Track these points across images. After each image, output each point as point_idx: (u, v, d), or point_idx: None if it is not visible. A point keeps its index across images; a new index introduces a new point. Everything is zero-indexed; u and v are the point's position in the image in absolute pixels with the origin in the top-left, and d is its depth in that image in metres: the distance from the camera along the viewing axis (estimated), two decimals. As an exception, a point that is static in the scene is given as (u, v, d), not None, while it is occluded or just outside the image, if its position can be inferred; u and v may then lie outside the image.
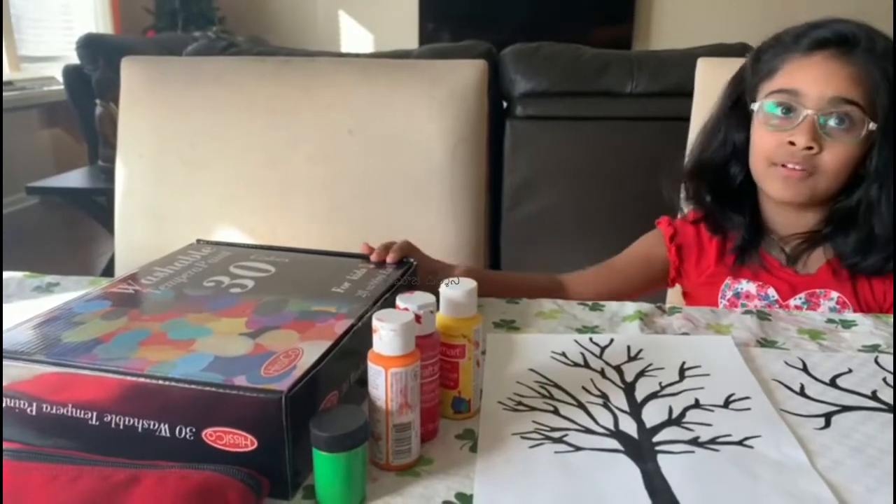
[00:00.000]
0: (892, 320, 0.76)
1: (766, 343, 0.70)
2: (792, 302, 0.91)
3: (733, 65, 1.02)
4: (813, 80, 0.82)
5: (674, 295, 1.09)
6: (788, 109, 0.83)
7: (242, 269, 0.67)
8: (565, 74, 1.74)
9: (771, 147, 0.85)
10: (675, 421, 0.54)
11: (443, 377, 0.55)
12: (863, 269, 0.88)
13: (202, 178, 0.92)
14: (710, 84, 1.08)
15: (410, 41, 4.39)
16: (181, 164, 0.91)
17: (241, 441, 0.45)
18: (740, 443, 0.52)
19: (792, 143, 0.82)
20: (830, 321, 0.75)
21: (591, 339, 0.69)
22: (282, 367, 0.47)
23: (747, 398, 0.58)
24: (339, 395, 0.51)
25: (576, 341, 0.68)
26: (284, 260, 0.70)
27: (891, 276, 0.90)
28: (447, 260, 0.90)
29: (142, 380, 0.46)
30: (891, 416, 0.56)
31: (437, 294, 0.53)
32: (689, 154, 0.99)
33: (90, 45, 3.10)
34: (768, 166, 0.86)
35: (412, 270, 0.69)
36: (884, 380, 0.62)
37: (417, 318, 0.50)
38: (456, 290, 0.53)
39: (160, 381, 0.46)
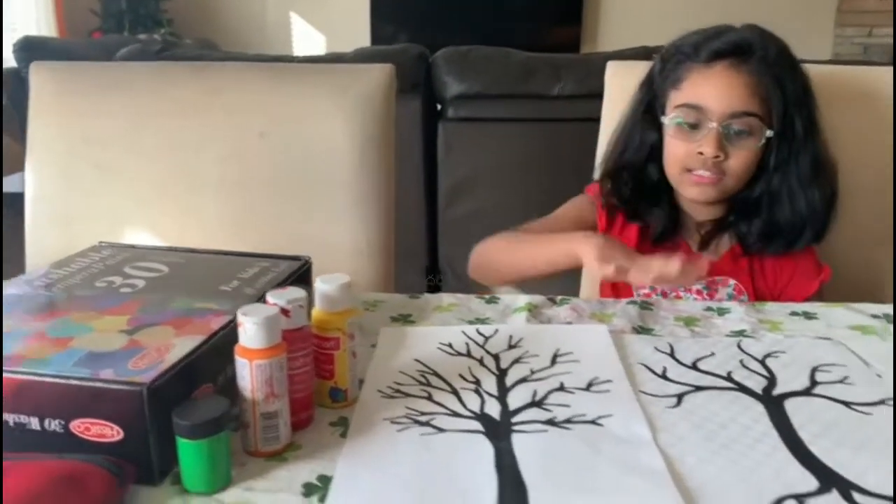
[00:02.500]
0: (765, 307, 0.82)
1: (641, 330, 0.74)
2: (695, 287, 0.97)
3: (640, 68, 1.07)
4: (716, 96, 0.90)
5: (589, 284, 1.14)
6: (695, 123, 0.91)
7: (137, 270, 0.68)
8: (495, 77, 1.79)
9: (682, 156, 0.93)
10: (537, 403, 0.58)
11: (319, 368, 0.58)
12: (765, 252, 0.97)
13: (112, 181, 0.93)
14: (619, 86, 1.13)
15: (362, 42, 4.40)
16: (91, 168, 0.92)
17: (107, 432, 0.47)
18: (593, 422, 0.56)
19: (701, 153, 0.90)
20: (708, 309, 0.81)
21: (477, 330, 0.72)
22: (150, 360, 0.49)
23: (609, 381, 0.62)
24: (214, 387, 0.53)
25: (463, 332, 0.72)
26: (180, 260, 0.72)
27: (783, 263, 0.97)
28: (357, 260, 0.94)
29: (13, 375, 0.48)
30: (738, 393, 0.61)
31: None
32: (608, 155, 1.04)
33: (28, 48, 3.02)
34: (681, 172, 0.94)
35: (306, 269, 0.72)
36: (741, 362, 0.67)
37: (286, 312, 0.53)
38: (329, 285, 0.56)
39: (30, 376, 0.48)
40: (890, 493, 0.48)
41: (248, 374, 0.50)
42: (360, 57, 1.84)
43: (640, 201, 0.99)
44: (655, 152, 0.97)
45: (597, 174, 1.10)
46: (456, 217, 1.90)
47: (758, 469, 0.50)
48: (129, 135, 0.94)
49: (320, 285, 0.57)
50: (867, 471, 0.50)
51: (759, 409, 0.59)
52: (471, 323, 0.76)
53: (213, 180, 0.92)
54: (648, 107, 0.98)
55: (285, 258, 0.72)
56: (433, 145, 1.84)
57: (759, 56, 0.91)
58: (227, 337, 0.55)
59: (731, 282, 0.97)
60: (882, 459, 0.52)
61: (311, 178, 0.93)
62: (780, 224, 0.95)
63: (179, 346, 0.52)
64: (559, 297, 0.83)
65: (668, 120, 0.93)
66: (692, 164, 0.92)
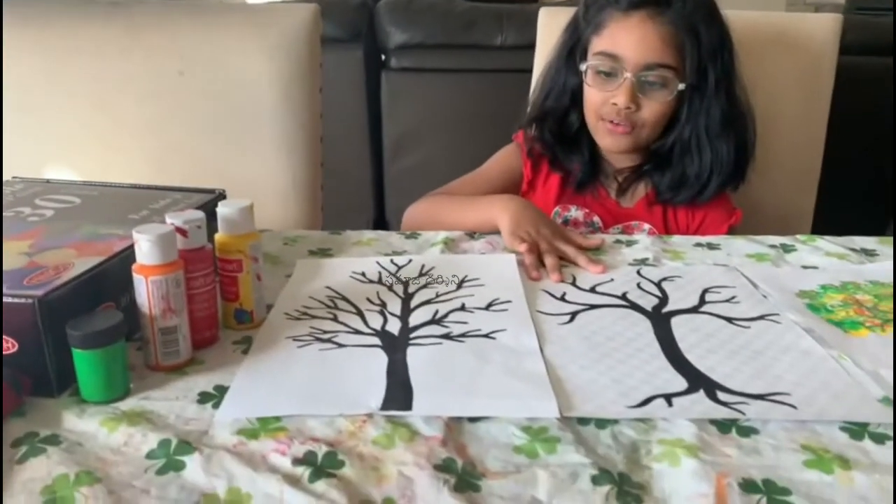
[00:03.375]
0: (671, 239, 0.85)
1: (550, 260, 0.77)
2: (612, 230, 1.01)
3: (571, 14, 1.08)
4: (632, 46, 0.91)
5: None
6: (610, 72, 0.93)
7: (47, 202, 0.69)
8: (438, 27, 1.78)
9: (597, 103, 0.95)
10: (436, 321, 0.61)
11: (224, 291, 0.59)
12: (674, 202, 1.00)
13: (33, 123, 0.92)
14: (551, 34, 1.15)
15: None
16: (12, 109, 0.91)
17: (5, 345, 0.48)
18: (486, 335, 0.59)
19: (615, 104, 0.92)
20: (618, 241, 0.84)
21: (391, 261, 0.75)
22: (47, 277, 0.51)
23: (508, 302, 0.65)
24: (116, 306, 0.55)
25: (377, 262, 0.74)
26: (93, 193, 0.72)
27: (695, 209, 1.01)
28: (282, 200, 0.95)
29: None
30: (629, 311, 0.65)
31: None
32: (533, 100, 1.06)
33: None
34: (597, 120, 0.97)
35: (218, 199, 0.72)
36: (637, 285, 0.70)
37: (183, 231, 0.54)
38: (230, 208, 0.58)
39: (-77, 294, 0.48)
40: (751, 391, 0.52)
41: (145, 290, 0.51)
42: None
43: (562, 148, 1.01)
44: (577, 98, 0.99)
45: (524, 125, 1.12)
46: (402, 169, 1.91)
47: (634, 373, 0.54)
48: (47, 75, 0.92)
49: (221, 209, 0.58)
50: (734, 374, 0.54)
51: (646, 324, 0.62)
52: (387, 255, 0.78)
53: (134, 120, 0.92)
54: (571, 51, 1.00)
55: (199, 191, 0.73)
56: (377, 96, 1.83)
57: (678, 6, 0.92)
58: (130, 259, 0.56)
59: (646, 226, 1.01)
60: (748, 365, 0.56)
61: (234, 118, 0.93)
62: (688, 175, 0.98)
63: (79, 265, 0.53)
64: (476, 233, 0.85)
65: (586, 66, 0.95)
66: (606, 113, 0.95)
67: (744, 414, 0.49)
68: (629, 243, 0.83)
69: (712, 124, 0.96)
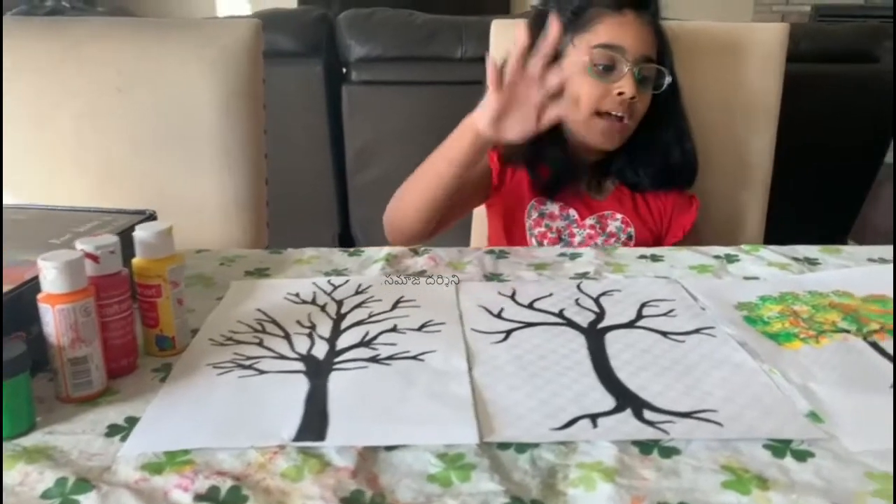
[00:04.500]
0: (615, 251, 0.85)
1: (491, 277, 0.76)
2: (587, 221, 1.03)
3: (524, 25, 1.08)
4: (633, 39, 0.96)
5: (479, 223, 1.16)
6: (612, 63, 0.96)
7: (-33, 227, 0.66)
8: (398, 40, 1.77)
9: (597, 96, 0.97)
10: (365, 343, 0.60)
11: (144, 316, 0.58)
12: (645, 189, 1.05)
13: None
14: (504, 46, 1.14)
15: (289, 3, 4.28)
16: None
17: None
18: (415, 357, 0.57)
19: (621, 93, 0.95)
20: (562, 255, 0.83)
21: (328, 281, 0.73)
22: (-54, 309, 0.49)
23: (442, 323, 0.64)
24: (27, 336, 0.53)
25: (314, 283, 0.73)
26: (20, 217, 0.70)
27: (662, 198, 1.06)
28: (224, 217, 0.93)
29: None
30: (565, 328, 0.64)
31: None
32: None
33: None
34: (591, 115, 0.97)
35: (148, 220, 0.71)
36: (576, 300, 0.70)
37: (94, 257, 0.52)
38: (146, 232, 0.56)
39: None
40: (679, 408, 0.51)
41: (52, 320, 0.49)
42: (259, 18, 1.80)
43: (539, 150, 1.00)
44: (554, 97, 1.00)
45: None
46: (365, 182, 1.90)
47: (562, 393, 0.53)
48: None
49: (137, 233, 0.56)
50: (664, 391, 0.53)
51: (580, 340, 0.61)
52: (327, 275, 0.76)
53: (73, 138, 0.90)
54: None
55: (128, 212, 0.71)
56: (338, 110, 1.82)
57: (653, 9, 1.00)
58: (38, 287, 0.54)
59: (619, 215, 1.04)
60: (679, 381, 0.55)
61: (174, 135, 0.91)
62: (660, 166, 1.02)
63: (-16, 295, 0.51)
64: (421, 248, 0.84)
65: (586, 59, 0.96)
66: (608, 106, 0.96)
67: (668, 434, 0.48)
68: (573, 256, 0.83)
69: (682, 119, 1.03)
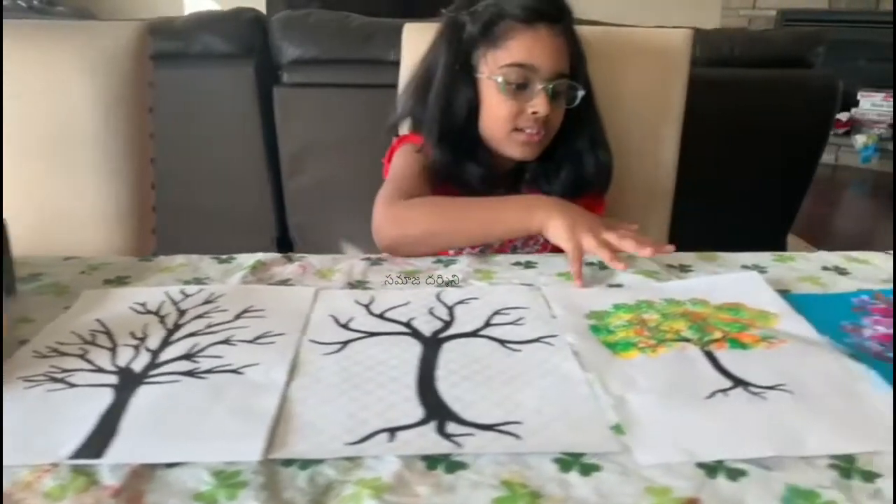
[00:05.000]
0: (492, 258, 0.85)
1: (356, 285, 0.76)
2: None
3: (435, 29, 1.06)
4: (544, 56, 0.95)
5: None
6: (525, 82, 0.95)
7: None
8: (333, 42, 1.76)
9: (512, 114, 0.96)
10: (189, 356, 0.59)
11: (-44, 329, 0.56)
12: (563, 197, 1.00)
13: None
14: (417, 49, 1.14)
15: (258, 5, 4.24)
16: None
17: None
18: (235, 371, 0.56)
19: (535, 113, 0.94)
20: (437, 261, 0.83)
21: (181, 290, 0.72)
22: None
23: (281, 334, 0.63)
24: None
25: (166, 292, 0.71)
26: None
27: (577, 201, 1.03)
28: (106, 225, 0.91)
29: None
30: (407, 337, 0.63)
31: None
32: (431, 118, 1.00)
33: None
34: (509, 132, 0.97)
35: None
36: (430, 309, 0.69)
37: None
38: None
39: None
40: (486, 420, 0.51)
41: None
42: (190, 20, 1.78)
43: (462, 163, 1.00)
44: (473, 109, 0.99)
45: (404, 129, 1.11)
46: (302, 186, 1.89)
47: (373, 405, 0.52)
48: None
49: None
50: (479, 402, 0.53)
51: (415, 351, 0.61)
52: (187, 283, 0.75)
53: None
54: (462, 66, 0.99)
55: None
56: (271, 113, 1.80)
57: (567, 19, 0.98)
58: None
59: None
60: (497, 392, 0.54)
61: (56, 141, 0.89)
62: (572, 177, 1.02)
63: None
64: (296, 255, 0.83)
65: (500, 79, 0.94)
66: (522, 124, 0.96)
67: (461, 447, 0.47)
68: (448, 263, 0.82)
69: (596, 127, 1.03)
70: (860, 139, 4.26)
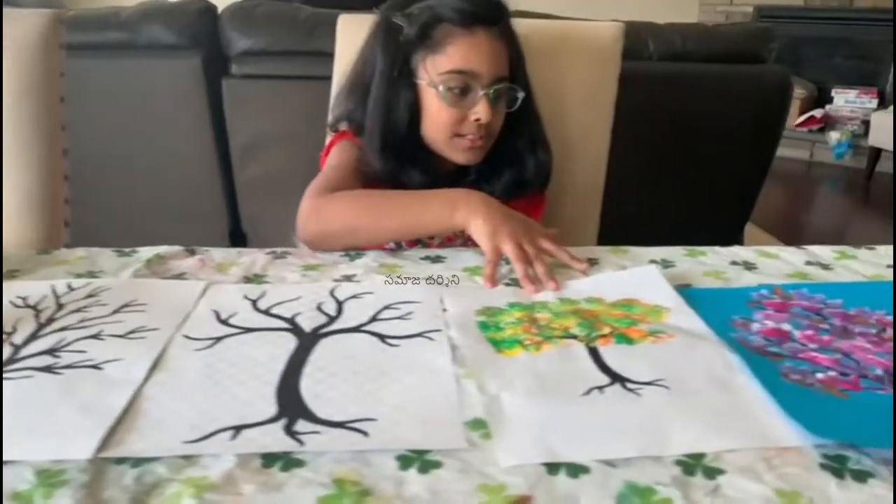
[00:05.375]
0: (405, 252, 0.84)
1: (252, 279, 0.74)
2: None
3: (371, 21, 1.04)
4: (484, 62, 0.93)
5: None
6: (466, 88, 0.93)
7: None
8: (281, 33, 1.74)
9: (454, 121, 0.94)
10: (52, 351, 0.57)
11: None
12: (503, 198, 0.97)
13: None
14: (351, 41, 1.12)
15: None
16: None
17: None
18: (95, 366, 0.55)
19: (477, 120, 0.93)
20: (344, 255, 0.82)
21: (68, 284, 0.70)
22: None
23: (155, 329, 0.62)
24: None
25: (52, 286, 0.70)
26: None
27: (515, 202, 1.01)
28: (15, 216, 0.90)
29: None
30: (285, 332, 0.62)
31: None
32: (373, 122, 0.97)
33: None
34: (451, 137, 0.96)
35: None
36: (319, 305, 0.68)
37: None
38: None
39: None
40: (341, 417, 0.50)
41: None
42: (137, 11, 1.76)
43: (403, 165, 0.96)
44: (414, 114, 0.96)
45: (341, 126, 1.09)
46: (253, 178, 1.87)
47: (227, 402, 0.51)
48: None
49: None
50: (338, 399, 0.52)
51: (290, 346, 0.60)
52: (80, 276, 0.74)
53: None
54: (400, 71, 0.95)
55: None
56: (220, 104, 1.78)
57: (504, 21, 0.96)
58: None
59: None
60: (360, 388, 0.53)
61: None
62: (513, 177, 1.00)
63: None
64: (200, 249, 0.82)
65: (440, 87, 0.92)
66: (464, 130, 0.95)
67: (302, 444, 0.46)
68: (354, 257, 0.81)
69: (535, 125, 1.01)
70: (834, 136, 4.29)
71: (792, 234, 3.18)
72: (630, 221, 1.86)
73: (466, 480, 0.44)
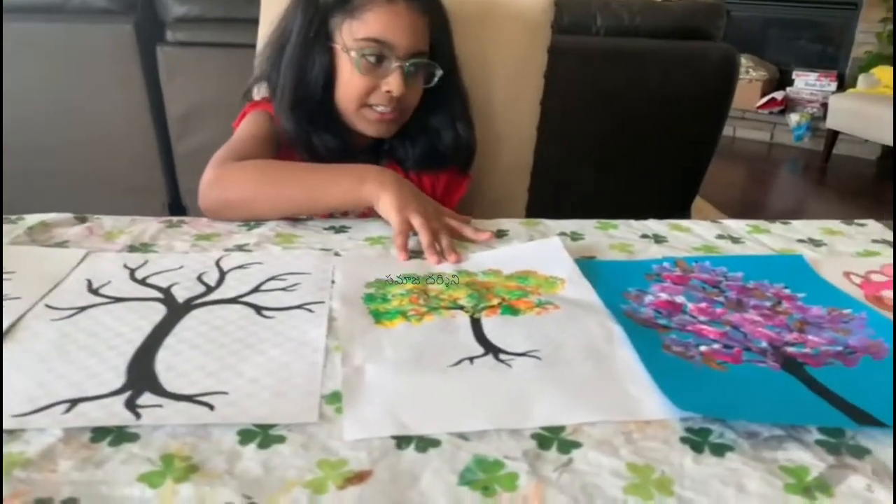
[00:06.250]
0: (304, 223, 0.81)
1: (140, 248, 0.71)
2: None
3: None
4: (402, 33, 0.89)
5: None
6: (380, 59, 0.89)
7: None
8: (216, 0, 1.69)
9: (365, 91, 0.91)
10: None
11: None
12: (411, 170, 1.00)
13: None
14: (275, 7, 1.07)
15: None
16: None
17: None
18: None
19: (389, 92, 0.89)
20: (242, 225, 0.79)
21: (-66, 251, 0.66)
22: None
23: (17, 298, 0.58)
24: None
25: (-84, 253, 0.66)
26: None
27: (438, 175, 1.02)
28: None
29: None
30: (153, 303, 0.59)
31: None
32: (285, 84, 0.94)
33: None
34: (360, 107, 0.92)
35: None
36: (200, 275, 0.65)
37: None
38: None
39: None
40: (195, 391, 0.47)
41: None
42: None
43: (316, 134, 0.94)
44: (329, 78, 0.92)
45: (256, 93, 1.05)
46: (191, 149, 1.81)
47: (72, 374, 0.48)
48: None
49: None
50: (190, 372, 0.49)
51: (156, 318, 0.57)
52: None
53: None
54: (317, 33, 0.92)
55: None
56: (156, 72, 1.72)
57: None
58: None
59: None
60: (219, 361, 0.51)
61: None
62: (427, 149, 0.98)
63: None
64: (92, 217, 0.78)
65: (354, 53, 0.89)
66: (375, 101, 0.91)
67: (139, 418, 0.44)
68: (253, 226, 0.78)
69: (458, 101, 0.98)
70: (794, 118, 4.33)
71: (749, 215, 3.21)
72: (586, 201, 1.85)
73: (306, 456, 0.41)
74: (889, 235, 0.82)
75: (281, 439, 0.43)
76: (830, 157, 4.00)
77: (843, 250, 0.78)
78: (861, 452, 0.44)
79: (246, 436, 0.43)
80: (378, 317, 0.59)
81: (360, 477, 0.40)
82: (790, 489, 0.40)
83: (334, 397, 0.47)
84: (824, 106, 4.20)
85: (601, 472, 0.41)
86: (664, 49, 1.80)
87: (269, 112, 0.97)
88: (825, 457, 0.43)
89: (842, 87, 4.27)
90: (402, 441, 0.43)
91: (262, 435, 0.43)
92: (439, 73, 0.93)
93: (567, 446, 0.43)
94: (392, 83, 0.89)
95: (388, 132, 0.95)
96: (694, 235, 0.81)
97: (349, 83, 0.91)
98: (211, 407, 0.45)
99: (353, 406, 0.46)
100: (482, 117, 1.08)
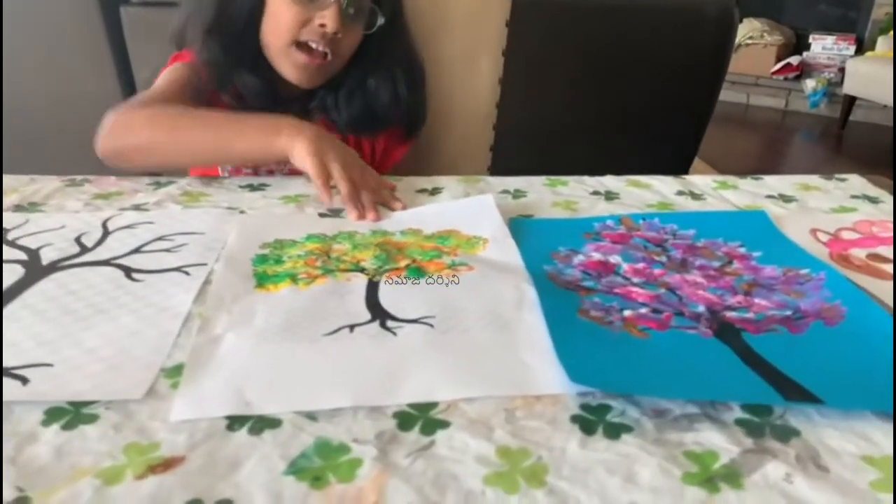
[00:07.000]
0: (222, 181, 0.74)
1: (27, 208, 0.64)
2: None
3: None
4: None
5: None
6: None
7: None
8: (183, -44, 1.60)
9: (297, 25, 0.80)
10: None
11: None
12: (343, 132, 0.89)
13: None
14: None
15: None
16: None
17: None
18: None
19: (322, 26, 0.79)
20: (153, 182, 0.72)
21: None
22: None
23: None
24: None
25: None
26: None
27: (374, 138, 0.92)
28: None
29: None
30: (16, 265, 0.53)
31: None
32: (202, 14, 0.84)
33: None
34: (289, 45, 0.82)
35: None
36: (78, 237, 0.58)
37: None
38: None
39: None
40: (40, 360, 0.41)
41: None
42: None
43: (236, 68, 0.84)
44: (255, 8, 0.82)
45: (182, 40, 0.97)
46: (162, 117, 1.75)
47: None
48: None
49: None
50: (21, 341, 0.43)
51: (12, 279, 0.50)
52: None
53: None
54: None
55: None
56: (121, 34, 1.65)
57: None
58: None
59: None
60: (62, 328, 0.44)
61: None
62: (367, 110, 0.88)
63: None
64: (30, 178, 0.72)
65: None
66: (307, 36, 0.81)
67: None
68: (164, 184, 0.71)
69: (402, 62, 0.88)
70: (810, 83, 4.16)
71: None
72: (581, 165, 1.76)
73: (114, 439, 0.35)
74: (870, 191, 0.73)
75: (92, 419, 0.36)
76: (847, 124, 3.84)
77: (816, 206, 0.69)
78: (787, 434, 0.36)
79: (53, 415, 0.37)
80: (263, 280, 0.52)
81: (166, 464, 0.33)
82: (688, 479, 0.33)
83: (175, 371, 0.40)
84: (842, 71, 4.03)
85: (464, 459, 0.34)
86: (656, 5, 1.69)
87: (191, 63, 0.89)
88: (742, 440, 0.36)
89: (860, 51, 4.08)
90: (235, 422, 0.36)
91: (72, 414, 0.37)
92: (381, 20, 0.83)
93: (432, 426, 0.36)
94: (327, 17, 0.79)
95: (312, 81, 0.85)
96: (653, 192, 0.73)
97: (278, 13, 0.81)
98: (24, 381, 0.39)
99: (192, 382, 0.39)
100: (433, 66, 0.99)
